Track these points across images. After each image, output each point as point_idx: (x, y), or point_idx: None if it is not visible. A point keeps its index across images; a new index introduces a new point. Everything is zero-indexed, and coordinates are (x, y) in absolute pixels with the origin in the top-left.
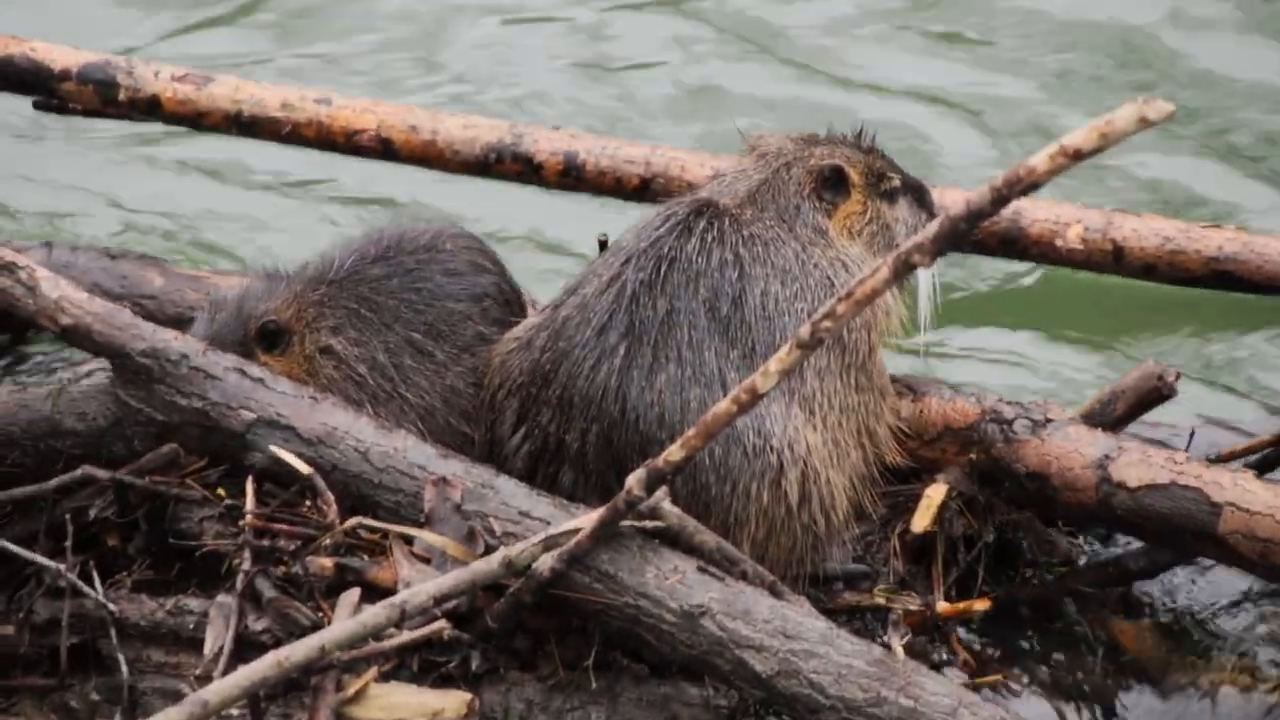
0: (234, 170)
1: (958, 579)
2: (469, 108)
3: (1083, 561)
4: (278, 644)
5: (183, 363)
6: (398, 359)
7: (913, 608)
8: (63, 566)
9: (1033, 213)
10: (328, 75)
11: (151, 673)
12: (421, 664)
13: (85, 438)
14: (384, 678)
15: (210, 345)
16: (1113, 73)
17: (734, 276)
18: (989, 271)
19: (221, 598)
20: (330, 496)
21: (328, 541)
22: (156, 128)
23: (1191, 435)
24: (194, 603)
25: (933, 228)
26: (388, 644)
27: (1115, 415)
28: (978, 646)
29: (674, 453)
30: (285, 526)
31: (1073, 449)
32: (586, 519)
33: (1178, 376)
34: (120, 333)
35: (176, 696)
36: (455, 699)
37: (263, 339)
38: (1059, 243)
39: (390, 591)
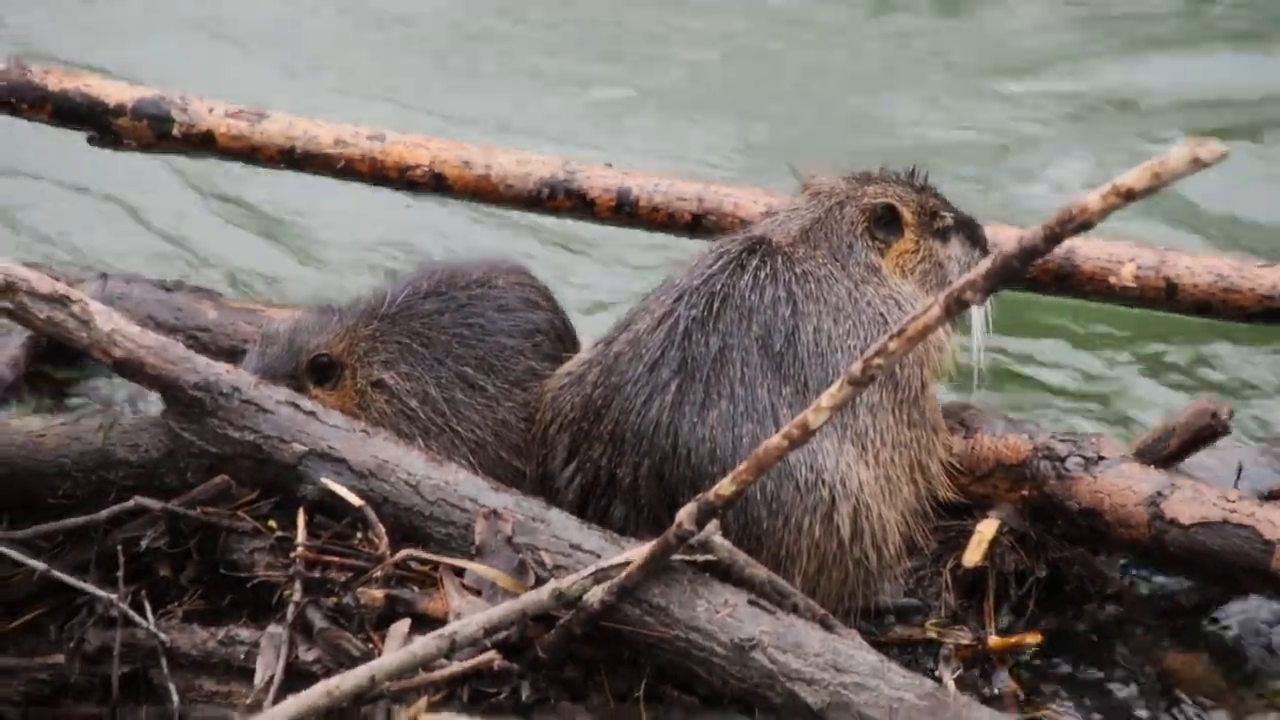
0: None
1: (1009, 613)
2: None
3: (1135, 595)
4: (328, 674)
5: (235, 395)
6: (449, 393)
7: (964, 641)
8: (114, 596)
9: (1086, 250)
10: None
11: (202, 702)
12: (471, 694)
13: (137, 469)
14: (434, 708)
15: (262, 378)
16: None
17: (787, 313)
18: None
19: (272, 628)
20: (381, 528)
21: (378, 573)
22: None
23: (1240, 471)
24: (245, 633)
25: (985, 265)
26: (438, 674)
27: (1168, 452)
28: (1029, 680)
29: (725, 487)
30: (336, 558)
31: (1125, 486)
32: (637, 552)
33: (1231, 414)
34: (173, 366)
35: None
36: None
37: (314, 372)
38: (1113, 280)
39: (441, 623)
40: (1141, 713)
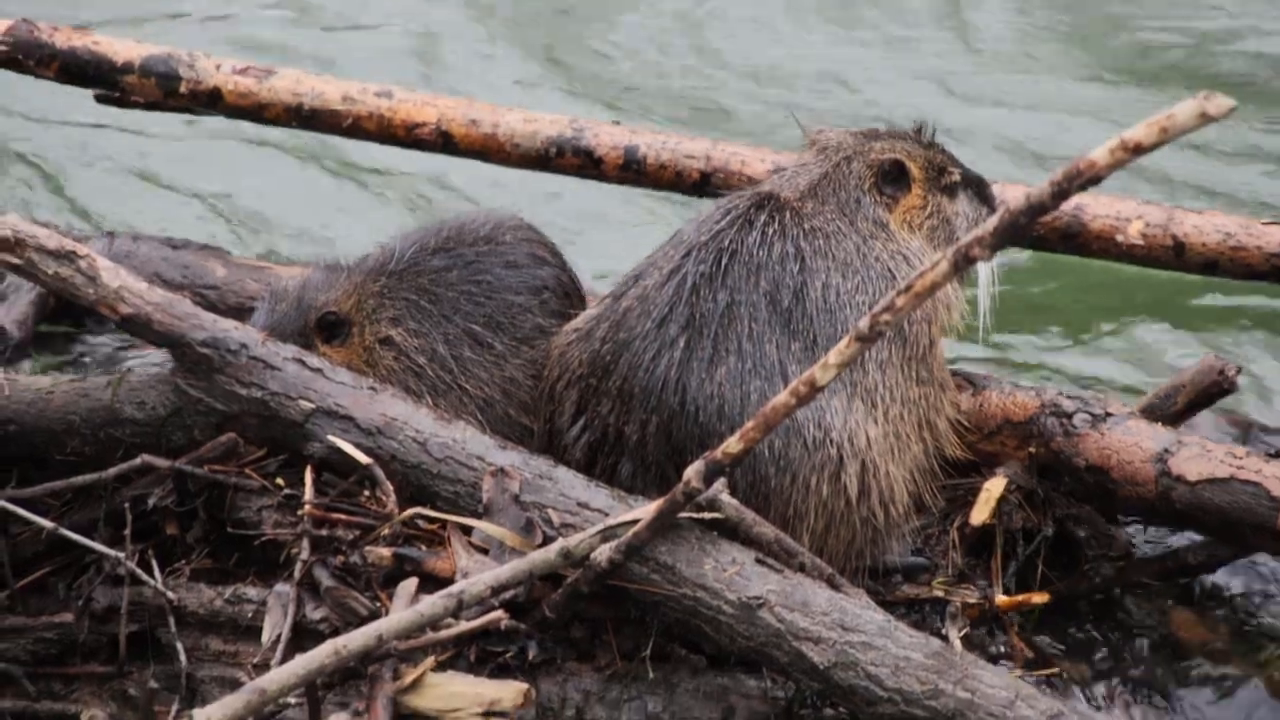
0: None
1: (1016, 572)
2: None
3: (1142, 554)
4: (335, 633)
5: (242, 352)
6: (457, 350)
7: (971, 600)
8: (122, 555)
9: (1094, 208)
10: None
11: (210, 661)
12: (479, 654)
13: (145, 426)
14: (441, 667)
15: (270, 335)
16: None
17: (795, 269)
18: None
19: (279, 587)
20: (389, 486)
21: (386, 531)
22: None
23: (1248, 430)
24: (252, 591)
25: (992, 221)
26: (445, 634)
27: (1175, 409)
28: (1036, 639)
29: (732, 445)
30: (344, 516)
31: (1133, 443)
32: (645, 510)
33: (1238, 371)
34: (180, 322)
35: (234, 684)
36: (512, 689)
37: (322, 330)
38: (1120, 238)
39: (448, 581)
40: (1147, 672)
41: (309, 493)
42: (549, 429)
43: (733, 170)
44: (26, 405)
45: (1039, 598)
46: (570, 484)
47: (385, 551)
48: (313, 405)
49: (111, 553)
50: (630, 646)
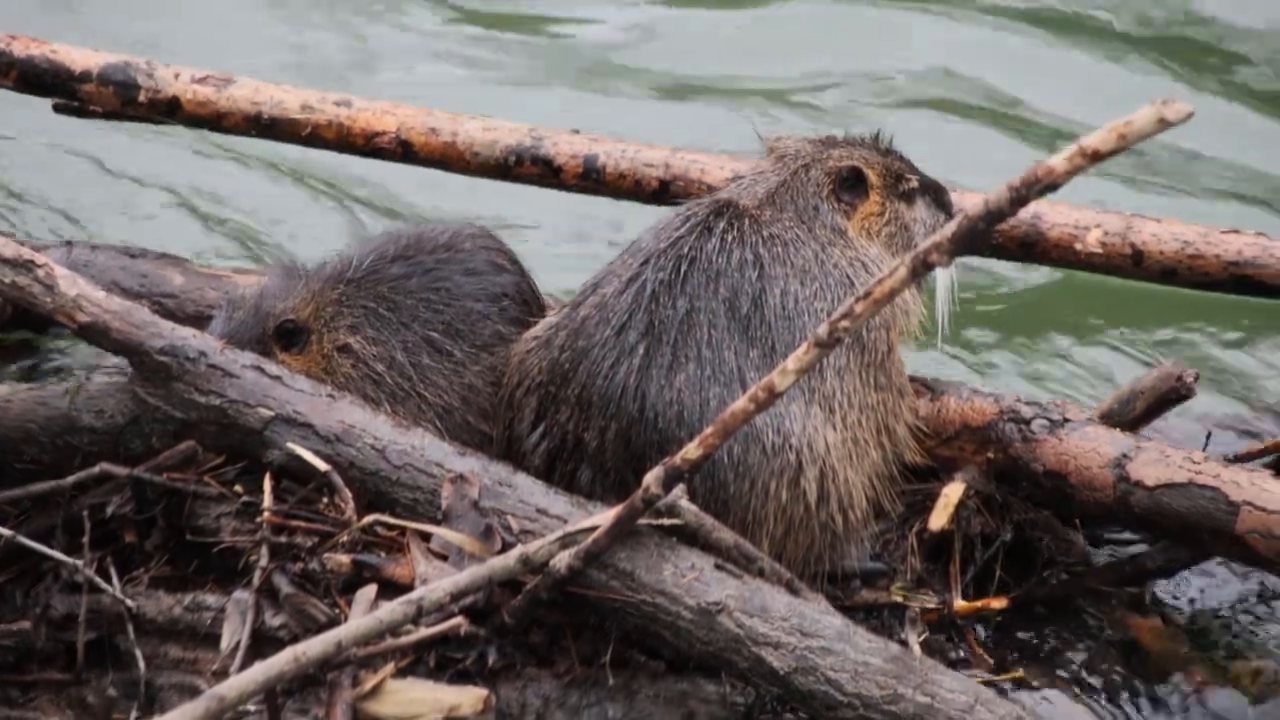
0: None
1: (975, 577)
2: None
3: (1100, 560)
4: (295, 640)
5: (201, 360)
6: (416, 358)
7: (930, 605)
8: (80, 562)
9: (1052, 216)
10: None
11: (168, 668)
12: (438, 660)
13: (103, 434)
14: (401, 674)
15: (228, 343)
16: None
17: (754, 276)
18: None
19: (238, 594)
20: (348, 493)
21: (345, 538)
22: None
23: (1208, 437)
24: (211, 599)
25: (950, 227)
26: (404, 640)
27: (1134, 415)
28: (995, 644)
29: (691, 451)
30: (302, 523)
31: (1091, 448)
32: (604, 516)
33: (1196, 377)
34: (138, 330)
35: (194, 692)
36: (472, 695)
37: (280, 337)
38: (1078, 247)
39: (407, 588)
40: (1106, 676)
41: (268, 500)
42: (508, 436)
43: (692, 178)
44: None
45: (997, 603)
46: (529, 490)
47: (344, 558)
48: (271, 413)
49: (70, 560)
50: (590, 652)
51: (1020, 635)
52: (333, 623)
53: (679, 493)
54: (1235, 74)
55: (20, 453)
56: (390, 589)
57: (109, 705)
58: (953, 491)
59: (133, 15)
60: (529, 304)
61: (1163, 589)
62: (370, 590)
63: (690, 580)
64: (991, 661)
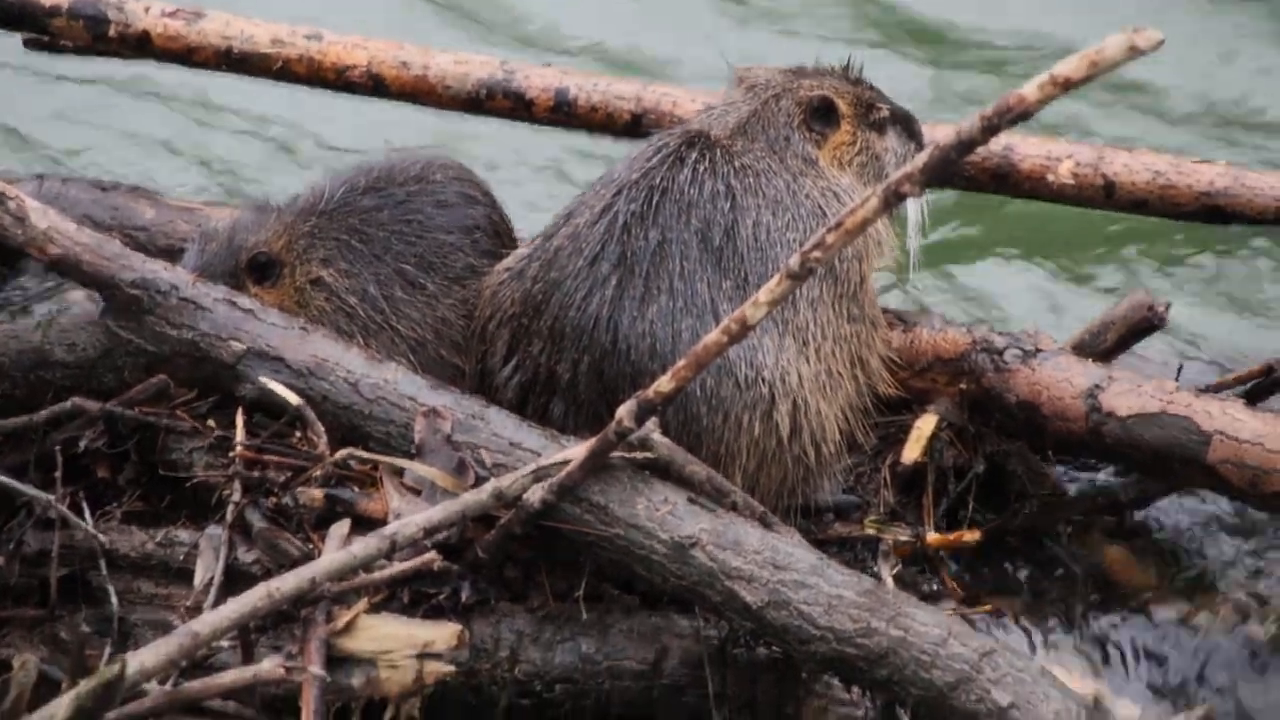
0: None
1: (948, 509)
2: None
3: (1072, 491)
4: (268, 575)
5: (172, 294)
6: (388, 290)
7: (903, 539)
8: (52, 498)
9: (1024, 148)
10: None
11: (141, 604)
12: (412, 595)
13: (75, 369)
14: (374, 609)
15: (200, 276)
16: None
17: (726, 207)
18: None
19: (211, 529)
20: (320, 428)
21: (318, 473)
22: None
23: (1180, 369)
24: (184, 534)
25: (922, 157)
26: (378, 576)
27: (1106, 345)
28: (968, 577)
29: (664, 384)
30: (275, 458)
31: (1063, 378)
32: (577, 450)
33: (1167, 307)
34: (109, 263)
35: (166, 628)
36: (446, 630)
37: (253, 270)
38: (1050, 178)
39: (380, 523)
40: (1079, 608)
41: (240, 434)
42: (481, 369)
43: (664, 111)
44: None
45: (970, 535)
46: (502, 424)
47: (317, 493)
48: (244, 346)
49: (42, 496)
50: (563, 587)
51: (993, 568)
52: (306, 558)
53: (652, 426)
54: None
55: None
56: (363, 524)
57: (82, 641)
58: (925, 424)
59: None
60: (501, 236)
61: (1136, 520)
62: (343, 525)
63: (663, 514)
64: (964, 594)
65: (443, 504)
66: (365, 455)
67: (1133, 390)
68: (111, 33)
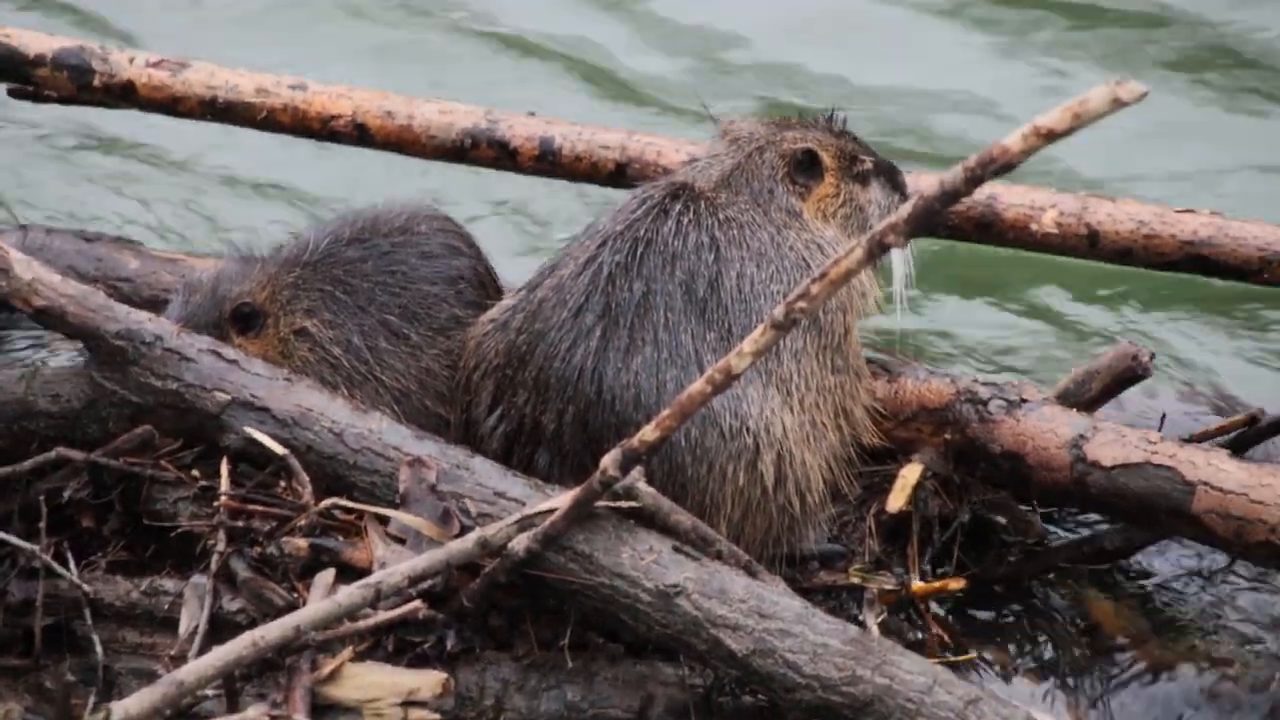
0: None
1: (933, 558)
2: None
3: (1058, 540)
4: (253, 624)
5: (157, 344)
6: (373, 341)
7: (888, 587)
8: (37, 547)
9: (1008, 197)
10: None
11: (126, 653)
12: (397, 644)
13: (59, 419)
14: (359, 657)
15: (185, 327)
16: None
17: (710, 259)
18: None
19: (196, 578)
20: (305, 477)
21: (303, 522)
22: None
23: (1163, 419)
24: (169, 583)
25: (907, 208)
26: (363, 624)
27: (1090, 395)
28: (953, 625)
29: (649, 433)
30: (260, 507)
31: (1048, 429)
32: (562, 499)
33: (1152, 357)
34: (94, 314)
35: (151, 677)
36: (431, 678)
37: (237, 321)
38: (1034, 227)
39: (365, 572)
40: (1064, 657)
41: (225, 484)
42: (465, 419)
43: (648, 161)
44: None
45: (955, 584)
46: (487, 474)
47: (302, 542)
48: (228, 397)
49: (27, 545)
50: (549, 635)
51: (978, 615)
52: (291, 607)
53: (636, 475)
54: None
55: None
56: (348, 573)
57: (67, 691)
58: (910, 473)
59: None
60: (485, 287)
61: (1121, 568)
62: (328, 574)
63: (648, 562)
64: (950, 642)
65: (428, 553)
66: (350, 505)
67: (1117, 440)
68: (96, 83)
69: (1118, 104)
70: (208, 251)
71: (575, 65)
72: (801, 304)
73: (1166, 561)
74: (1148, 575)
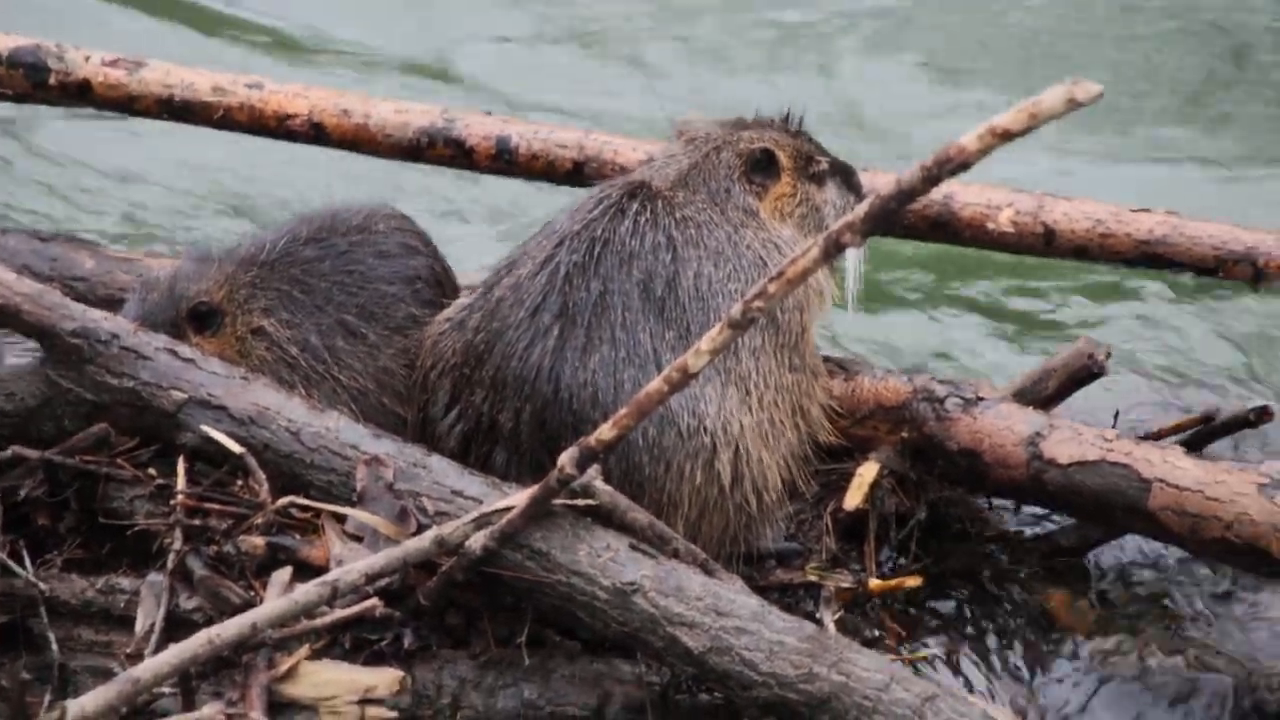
0: None
1: (890, 556)
2: None
3: (1015, 536)
4: (209, 622)
5: (113, 343)
6: (330, 340)
7: (845, 584)
8: None
9: (964, 196)
10: None
11: (82, 651)
12: (354, 642)
13: (14, 418)
14: (316, 655)
15: (141, 326)
16: None
17: (667, 259)
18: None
19: (152, 576)
20: (262, 476)
21: (259, 520)
22: None
23: (1116, 416)
24: (125, 581)
25: (863, 207)
26: (320, 622)
27: (1046, 393)
28: (910, 622)
29: (606, 431)
30: (217, 506)
31: (1004, 426)
32: (519, 497)
33: (1108, 355)
34: (49, 313)
35: (107, 675)
36: (387, 676)
37: (194, 320)
38: (991, 226)
39: (322, 570)
40: (1021, 653)
41: (181, 482)
42: (423, 418)
43: (605, 160)
44: None
45: (912, 581)
46: (444, 472)
47: (259, 541)
48: (185, 395)
49: None
50: (506, 633)
51: (935, 612)
52: (247, 605)
53: (594, 473)
54: None
55: None
56: (305, 571)
57: (22, 689)
58: (867, 471)
59: None
60: (443, 286)
61: (1076, 564)
62: (285, 572)
63: (605, 560)
64: (907, 639)
65: (384, 551)
66: (307, 503)
67: (1073, 438)
68: (52, 81)
69: (1073, 104)
70: (164, 251)
71: None
72: (758, 303)
73: (1121, 554)
74: (1102, 568)
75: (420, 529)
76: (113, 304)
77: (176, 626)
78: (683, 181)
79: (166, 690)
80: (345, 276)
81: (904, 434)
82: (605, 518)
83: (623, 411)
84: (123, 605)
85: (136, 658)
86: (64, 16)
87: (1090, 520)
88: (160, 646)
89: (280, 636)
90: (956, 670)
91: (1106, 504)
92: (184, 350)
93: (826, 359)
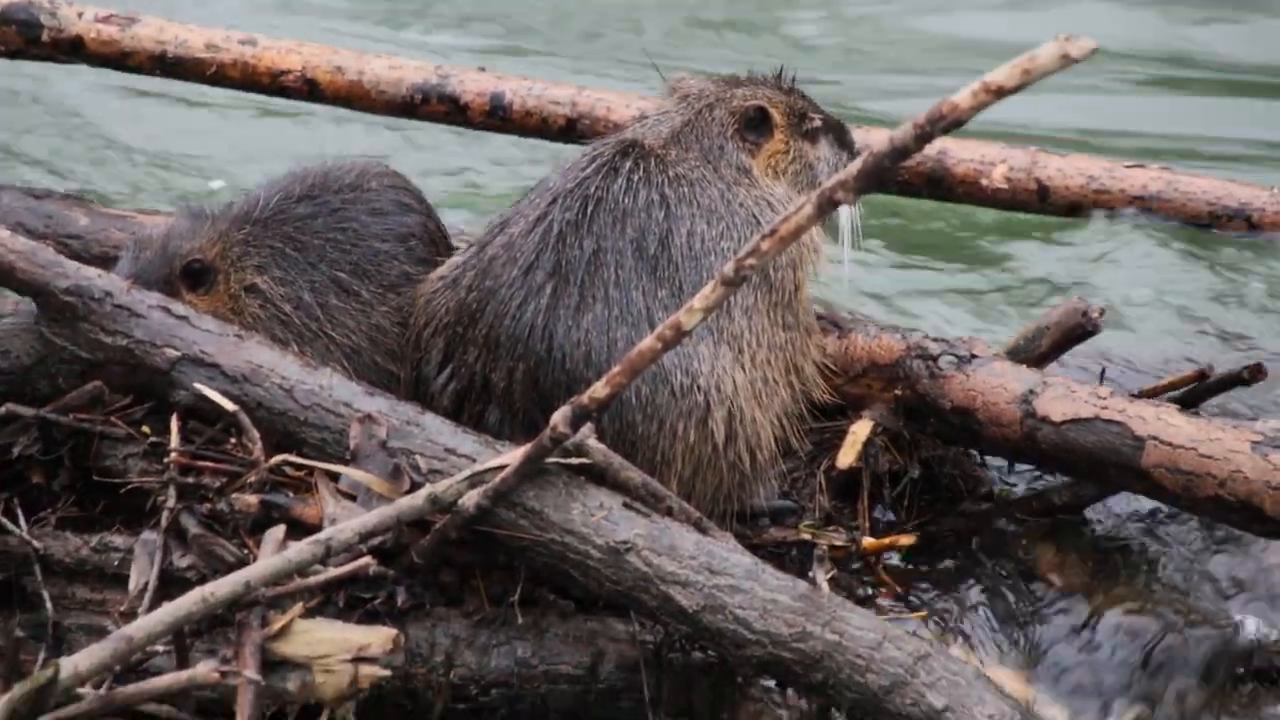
0: None
1: (883, 514)
2: None
3: (1008, 494)
4: (203, 581)
5: (107, 300)
6: (323, 298)
7: (838, 543)
8: None
9: (958, 152)
10: None
11: (76, 609)
12: (347, 600)
13: (8, 375)
14: (309, 614)
15: (134, 283)
16: None
17: (660, 216)
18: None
19: (146, 534)
20: (255, 434)
21: (253, 478)
22: None
23: (1102, 373)
24: (119, 540)
25: (856, 164)
26: (313, 580)
27: (1040, 351)
28: (903, 580)
29: (599, 389)
30: (210, 464)
31: (998, 384)
32: (512, 455)
33: (1102, 313)
34: (43, 270)
35: (101, 633)
36: (381, 634)
37: (187, 277)
38: (984, 182)
39: (315, 528)
40: (1014, 612)
41: (175, 440)
42: (416, 376)
43: (598, 116)
44: None
45: (905, 539)
46: (438, 430)
47: (252, 499)
48: (178, 353)
49: None
50: (499, 591)
51: (928, 571)
52: (241, 563)
53: (587, 432)
54: None
55: None
56: (298, 529)
57: (16, 646)
58: (860, 429)
59: None
60: (436, 244)
61: (1069, 522)
62: (278, 530)
63: (599, 519)
64: (899, 597)
65: (378, 509)
66: (300, 461)
67: (1067, 396)
68: (45, 37)
69: (1067, 60)
70: (157, 209)
71: None
72: (751, 260)
73: (1114, 512)
74: (1096, 528)
75: (414, 487)
76: (107, 262)
77: (170, 585)
78: (676, 139)
79: (160, 648)
80: (338, 234)
81: (897, 392)
82: (598, 476)
83: (616, 369)
84: (116, 563)
85: (130, 616)
86: None
87: (1084, 478)
88: (154, 605)
89: (273, 595)
90: (949, 628)
91: (1100, 462)
92: (177, 308)
93: (820, 316)
